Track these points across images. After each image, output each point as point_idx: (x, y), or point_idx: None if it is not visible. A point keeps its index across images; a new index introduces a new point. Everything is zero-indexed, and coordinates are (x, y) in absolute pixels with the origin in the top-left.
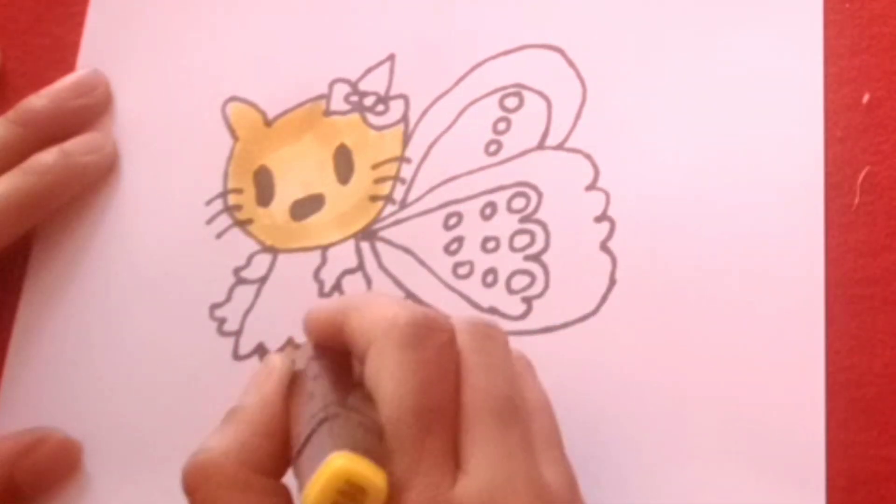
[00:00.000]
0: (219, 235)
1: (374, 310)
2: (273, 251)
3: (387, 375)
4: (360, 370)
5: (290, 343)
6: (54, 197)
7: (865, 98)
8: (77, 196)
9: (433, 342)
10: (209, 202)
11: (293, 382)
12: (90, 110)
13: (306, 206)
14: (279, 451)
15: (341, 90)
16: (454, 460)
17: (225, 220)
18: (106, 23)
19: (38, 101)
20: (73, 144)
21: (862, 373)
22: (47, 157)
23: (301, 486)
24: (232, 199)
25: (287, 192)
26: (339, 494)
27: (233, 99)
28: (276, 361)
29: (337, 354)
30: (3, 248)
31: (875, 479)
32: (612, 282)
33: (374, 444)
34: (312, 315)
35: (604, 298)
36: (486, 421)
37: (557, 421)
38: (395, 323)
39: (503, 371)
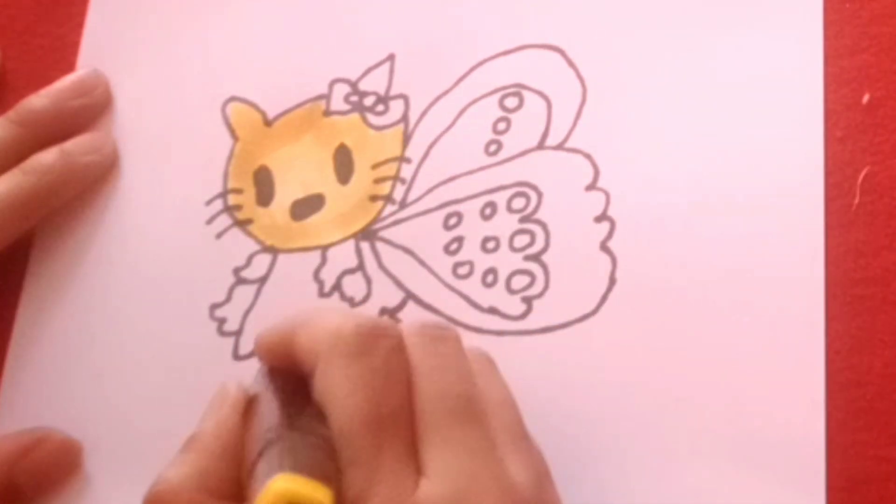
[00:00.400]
0: (219, 235)
1: (319, 324)
2: (273, 251)
3: (335, 388)
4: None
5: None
6: (54, 197)
7: (865, 98)
8: (77, 196)
9: (380, 349)
10: (209, 202)
11: (248, 407)
12: (90, 110)
13: (306, 206)
14: (236, 475)
15: (341, 90)
16: (414, 466)
17: (225, 220)
18: (106, 23)
19: (38, 101)
20: (73, 144)
21: (862, 373)
22: (47, 157)
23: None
24: (232, 199)
25: (287, 192)
26: None
27: (233, 99)
28: (231, 387)
29: (290, 375)
30: (4, 248)
31: (875, 479)
32: (612, 282)
33: (322, 462)
34: (262, 338)
35: (604, 298)
36: (443, 422)
37: (521, 413)
38: (339, 334)
39: (456, 370)
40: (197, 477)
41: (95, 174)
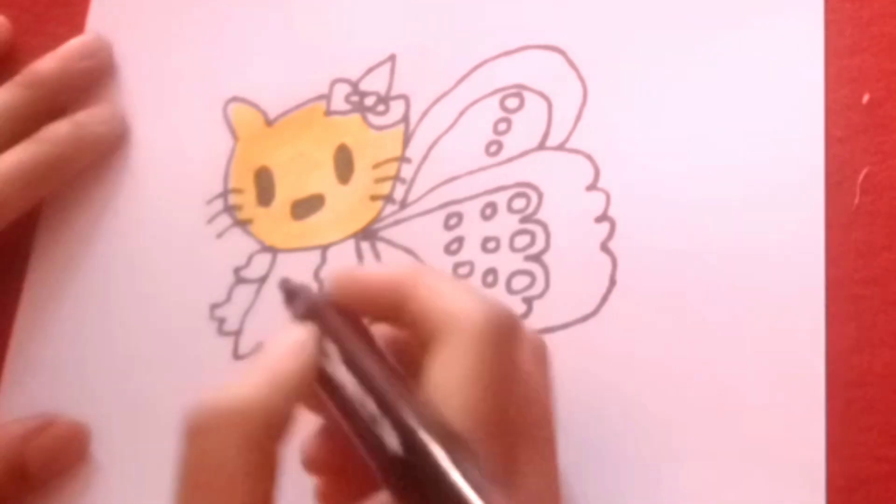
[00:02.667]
0: (219, 235)
1: (449, 295)
2: (273, 251)
3: (470, 381)
4: (413, 353)
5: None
6: (66, 166)
7: (865, 98)
8: (88, 169)
9: (512, 345)
10: (209, 202)
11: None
12: (95, 72)
13: (306, 206)
14: (288, 419)
15: (342, 90)
16: (510, 470)
17: (225, 220)
18: (106, 23)
19: (45, 64)
20: (85, 115)
21: (862, 373)
22: (60, 128)
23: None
24: (232, 199)
25: (287, 191)
26: None
27: (234, 99)
28: (305, 336)
29: (351, 315)
30: (15, 217)
31: (875, 479)
32: (612, 282)
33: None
34: (353, 277)
35: (604, 299)
36: (538, 437)
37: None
38: (483, 318)
39: (549, 387)
40: (269, 408)
41: (107, 145)
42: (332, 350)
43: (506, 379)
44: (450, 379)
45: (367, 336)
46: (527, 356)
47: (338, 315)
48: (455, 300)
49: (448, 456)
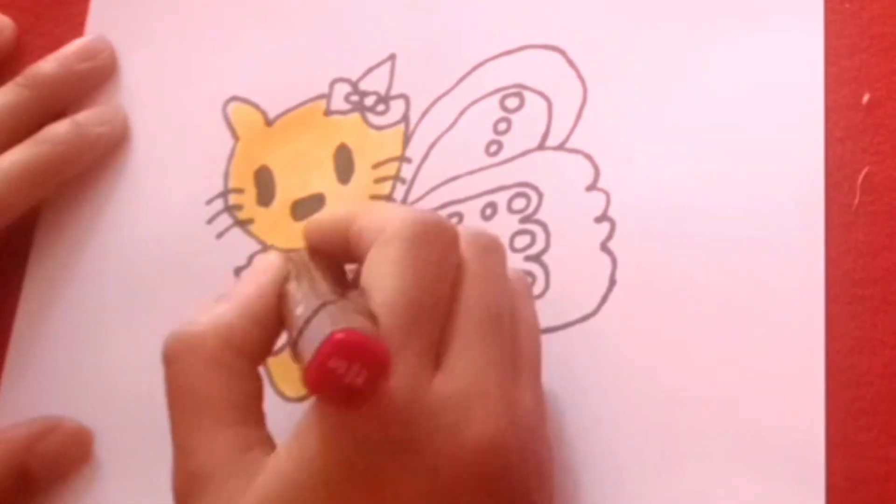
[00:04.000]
0: (219, 235)
1: (382, 211)
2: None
3: (388, 266)
4: (356, 272)
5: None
6: (67, 166)
7: (865, 98)
8: (87, 169)
9: (438, 242)
10: (210, 202)
11: (288, 279)
12: (97, 74)
13: (307, 206)
14: (264, 338)
15: (342, 90)
16: (435, 359)
17: (225, 220)
18: (106, 23)
19: (46, 65)
20: (85, 116)
21: (862, 373)
22: (60, 128)
23: (301, 365)
24: (232, 199)
25: (288, 191)
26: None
27: (234, 99)
28: (274, 258)
29: (332, 260)
30: (14, 218)
31: (875, 479)
32: (612, 282)
33: (371, 328)
34: (315, 220)
35: (604, 299)
36: (474, 328)
37: (542, 348)
38: (403, 219)
39: (499, 284)
40: (225, 329)
41: (107, 145)
42: (293, 273)
43: (427, 272)
44: (373, 273)
45: (332, 267)
46: (463, 260)
47: (311, 255)
48: (385, 212)
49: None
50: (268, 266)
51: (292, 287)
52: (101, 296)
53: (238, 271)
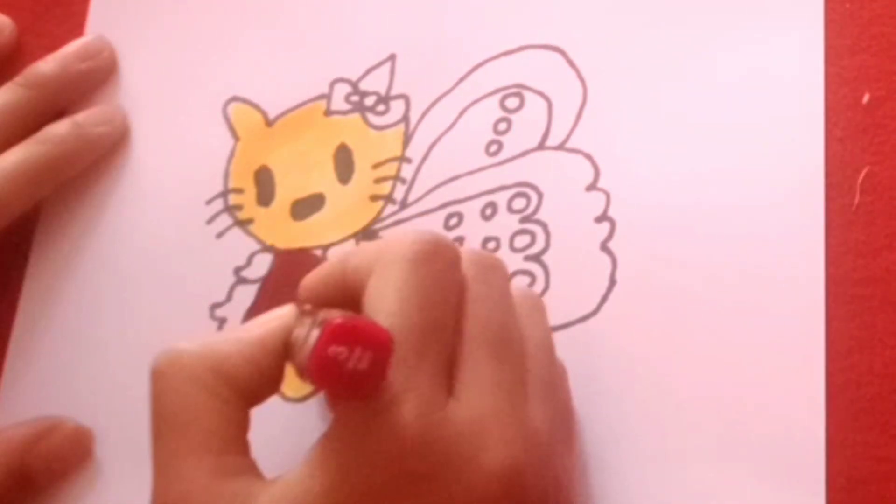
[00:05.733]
0: (219, 235)
1: (374, 243)
2: (273, 251)
3: (391, 289)
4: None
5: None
6: (67, 166)
7: (865, 98)
8: (87, 169)
9: (438, 262)
10: (210, 202)
11: (299, 324)
12: (96, 74)
13: (307, 206)
14: (257, 378)
15: (342, 90)
16: (447, 382)
17: (225, 220)
18: (106, 23)
19: (46, 65)
20: (85, 116)
21: (862, 373)
22: (60, 128)
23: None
24: (232, 199)
25: (288, 191)
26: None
27: (234, 99)
28: (287, 309)
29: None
30: (14, 218)
31: (875, 479)
32: (612, 282)
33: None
34: (309, 278)
35: (604, 298)
36: (481, 351)
37: (555, 359)
38: (401, 241)
39: (502, 303)
40: (218, 356)
41: (107, 145)
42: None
43: (433, 292)
44: (376, 298)
45: None
46: (466, 280)
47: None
48: (378, 243)
49: None
50: (278, 316)
51: (297, 330)
52: (101, 296)
53: (238, 271)
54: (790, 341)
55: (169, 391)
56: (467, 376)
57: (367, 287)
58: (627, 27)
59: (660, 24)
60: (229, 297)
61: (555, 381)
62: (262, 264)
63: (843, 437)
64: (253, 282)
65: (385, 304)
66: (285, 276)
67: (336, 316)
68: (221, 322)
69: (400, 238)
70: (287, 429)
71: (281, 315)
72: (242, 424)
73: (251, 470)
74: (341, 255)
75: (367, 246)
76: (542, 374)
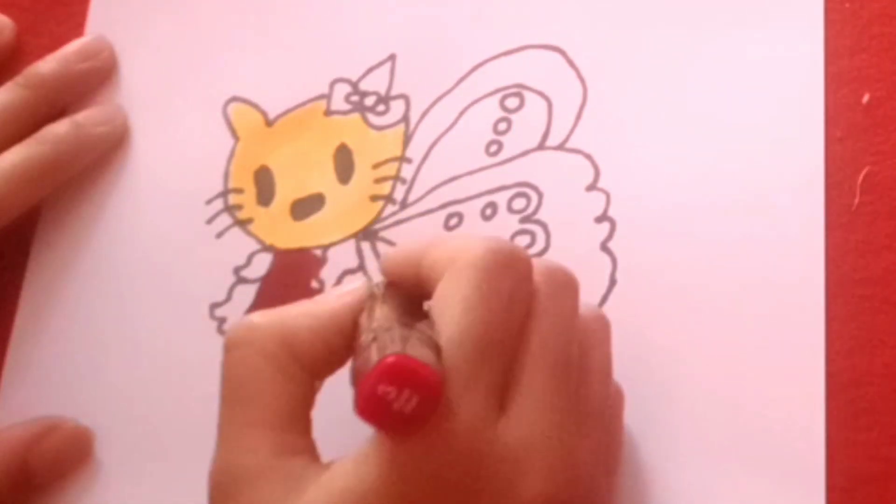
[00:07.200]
0: (219, 235)
1: (454, 241)
2: (273, 251)
3: (458, 298)
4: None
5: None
6: (66, 166)
7: (865, 98)
8: (87, 169)
9: (511, 273)
10: (209, 201)
11: (367, 307)
12: (96, 73)
13: (307, 206)
14: (325, 356)
15: (342, 90)
16: (500, 397)
17: (225, 220)
18: (106, 23)
19: (45, 65)
20: (85, 116)
21: (862, 373)
22: (60, 128)
23: (356, 385)
24: (232, 199)
25: (287, 191)
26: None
27: (234, 99)
28: (360, 284)
29: (408, 294)
30: (14, 217)
31: (875, 479)
32: (613, 282)
33: (430, 358)
34: (390, 254)
35: (604, 298)
36: (541, 372)
37: (620, 390)
38: (476, 248)
39: (568, 324)
40: (288, 332)
41: (107, 145)
42: (367, 304)
43: (499, 305)
44: (442, 304)
45: (408, 300)
46: (536, 295)
47: (387, 287)
48: (457, 242)
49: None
50: (350, 291)
51: (363, 318)
52: (101, 295)
53: (237, 271)
54: (790, 341)
55: (239, 363)
56: (522, 395)
57: (438, 289)
58: (627, 27)
59: (660, 24)
60: (229, 297)
61: (607, 411)
62: (262, 264)
63: (843, 437)
64: (253, 281)
65: (450, 311)
66: (285, 276)
67: (391, 350)
68: (221, 322)
69: (475, 244)
70: (350, 409)
71: (353, 291)
72: (307, 401)
73: (308, 451)
74: (423, 243)
75: (446, 242)
76: (596, 402)
